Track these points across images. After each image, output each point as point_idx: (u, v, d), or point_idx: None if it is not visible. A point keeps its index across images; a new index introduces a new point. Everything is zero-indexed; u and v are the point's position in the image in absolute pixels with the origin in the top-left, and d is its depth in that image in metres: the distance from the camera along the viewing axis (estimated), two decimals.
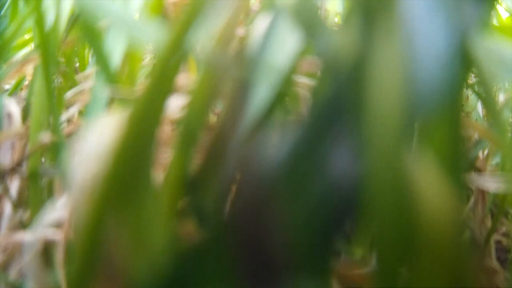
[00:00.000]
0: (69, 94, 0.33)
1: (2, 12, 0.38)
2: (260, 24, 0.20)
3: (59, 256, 0.22)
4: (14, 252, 0.25)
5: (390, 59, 0.13)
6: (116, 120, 0.16)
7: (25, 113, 0.33)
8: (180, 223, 0.16)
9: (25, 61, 0.35)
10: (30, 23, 0.35)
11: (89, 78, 0.34)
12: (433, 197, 0.12)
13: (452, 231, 0.12)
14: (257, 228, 0.13)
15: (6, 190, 0.29)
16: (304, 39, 0.18)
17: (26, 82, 0.41)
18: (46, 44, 0.26)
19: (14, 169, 0.30)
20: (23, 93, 0.39)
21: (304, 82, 0.22)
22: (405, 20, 0.13)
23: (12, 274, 0.25)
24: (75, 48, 0.37)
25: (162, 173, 0.18)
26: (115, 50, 0.26)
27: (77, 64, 0.41)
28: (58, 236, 0.22)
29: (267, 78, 0.17)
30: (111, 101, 0.25)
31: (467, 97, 0.42)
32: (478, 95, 0.39)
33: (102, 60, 0.25)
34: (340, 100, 0.13)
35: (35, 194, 0.28)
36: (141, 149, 0.15)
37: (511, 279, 0.28)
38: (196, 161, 0.17)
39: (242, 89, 0.16)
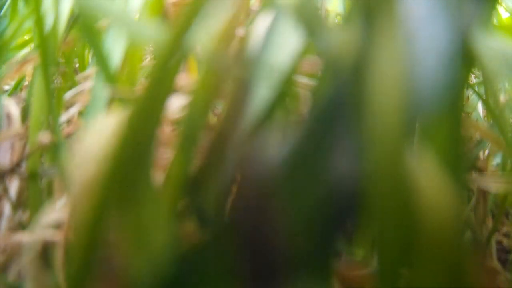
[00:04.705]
0: (69, 94, 0.33)
1: (2, 12, 0.38)
2: (260, 24, 0.20)
3: (58, 257, 0.22)
4: (13, 253, 0.25)
5: (391, 59, 0.13)
6: (116, 120, 0.16)
7: (25, 113, 0.33)
8: (180, 223, 0.16)
9: (24, 61, 0.35)
10: (29, 23, 0.35)
11: (89, 78, 0.34)
12: (434, 198, 0.12)
13: (453, 231, 0.12)
14: (257, 229, 0.13)
15: (6, 190, 0.29)
16: (304, 39, 0.17)
17: (26, 83, 0.41)
18: (45, 44, 0.26)
19: (14, 169, 0.30)
20: (23, 94, 0.39)
21: (304, 82, 0.22)
22: (406, 20, 0.13)
23: (11, 275, 0.25)
24: (75, 48, 0.37)
25: (162, 173, 0.18)
26: (115, 50, 0.26)
27: (77, 64, 0.41)
28: (57, 237, 0.22)
29: (268, 78, 0.17)
30: (111, 101, 0.25)
31: (468, 97, 0.42)
32: (479, 95, 0.39)
33: (102, 60, 0.25)
34: (341, 100, 0.13)
35: (35, 195, 0.28)
36: (141, 149, 0.15)
37: None
38: (196, 161, 0.17)
39: (243, 89, 0.16)
